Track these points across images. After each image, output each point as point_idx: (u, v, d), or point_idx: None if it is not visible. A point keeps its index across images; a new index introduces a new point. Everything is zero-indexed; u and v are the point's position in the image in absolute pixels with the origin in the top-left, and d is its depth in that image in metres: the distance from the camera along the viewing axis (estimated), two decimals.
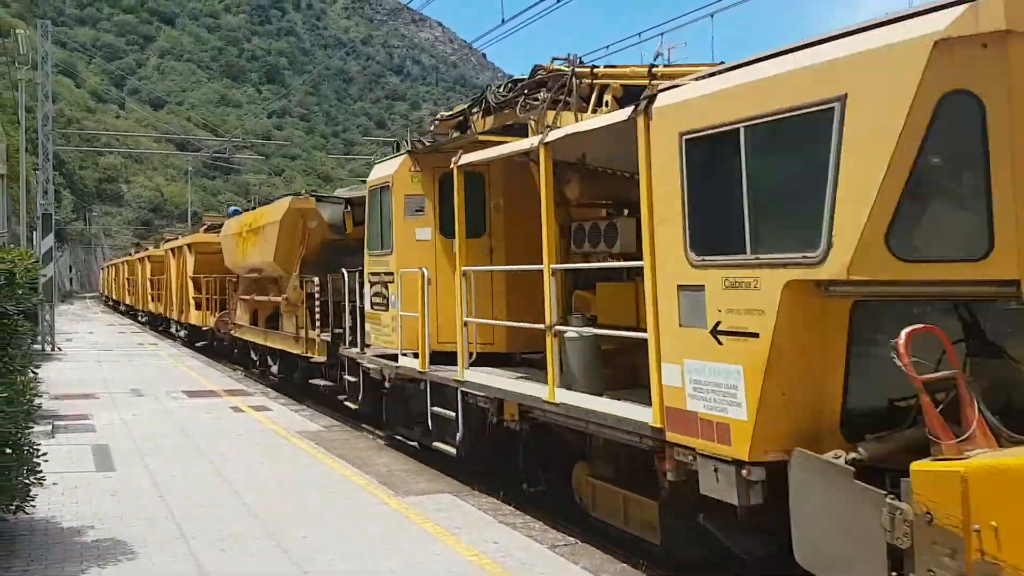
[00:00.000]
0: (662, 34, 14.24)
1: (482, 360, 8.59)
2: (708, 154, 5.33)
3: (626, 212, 7.67)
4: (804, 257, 4.65)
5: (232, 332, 20.64)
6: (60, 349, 24.28)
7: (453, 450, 8.79)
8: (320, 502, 7.83)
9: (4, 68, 24.56)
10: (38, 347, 22.47)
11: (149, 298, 35.46)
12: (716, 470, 5.23)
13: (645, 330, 5.85)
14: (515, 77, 8.75)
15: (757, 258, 4.93)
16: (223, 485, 8.45)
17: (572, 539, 6.91)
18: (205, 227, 26.56)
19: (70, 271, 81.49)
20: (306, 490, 8.27)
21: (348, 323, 11.99)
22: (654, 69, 6.90)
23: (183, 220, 65.66)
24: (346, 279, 12.12)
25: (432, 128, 10.22)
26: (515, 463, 8.36)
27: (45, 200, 25.94)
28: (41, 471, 6.63)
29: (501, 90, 8.80)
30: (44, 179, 26.51)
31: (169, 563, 6.07)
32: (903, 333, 4.13)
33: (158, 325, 33.46)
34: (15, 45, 23.67)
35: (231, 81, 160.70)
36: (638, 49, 65.51)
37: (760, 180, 5.00)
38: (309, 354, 14.83)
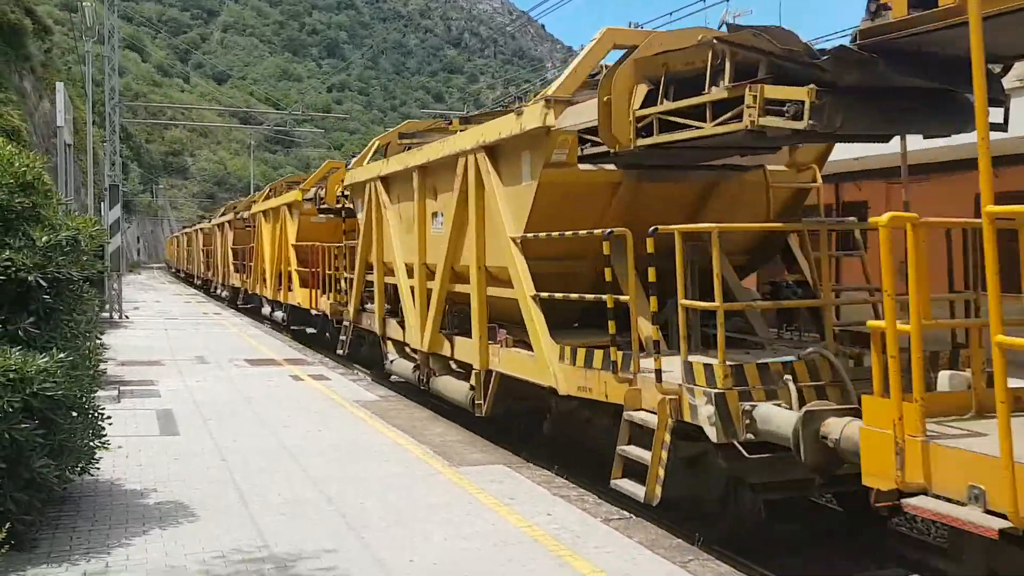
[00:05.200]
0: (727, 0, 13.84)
1: None
2: None
3: None
4: None
5: None
6: (127, 317, 24.91)
7: None
8: (377, 470, 7.88)
9: (72, 42, 25.20)
10: (106, 315, 23.08)
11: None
12: None
13: None
14: None
15: None
16: (283, 451, 8.57)
17: (627, 513, 6.83)
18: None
19: (138, 242, 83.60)
20: (363, 458, 8.34)
21: None
22: None
23: (246, 193, 66.67)
24: None
25: None
26: None
27: (112, 172, 26.55)
28: (106, 434, 6.76)
29: None
30: (111, 151, 27.13)
31: (230, 527, 6.15)
32: None
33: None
34: (82, 18, 24.17)
35: (292, 55, 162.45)
36: (703, 15, 63.94)
37: None
38: None
